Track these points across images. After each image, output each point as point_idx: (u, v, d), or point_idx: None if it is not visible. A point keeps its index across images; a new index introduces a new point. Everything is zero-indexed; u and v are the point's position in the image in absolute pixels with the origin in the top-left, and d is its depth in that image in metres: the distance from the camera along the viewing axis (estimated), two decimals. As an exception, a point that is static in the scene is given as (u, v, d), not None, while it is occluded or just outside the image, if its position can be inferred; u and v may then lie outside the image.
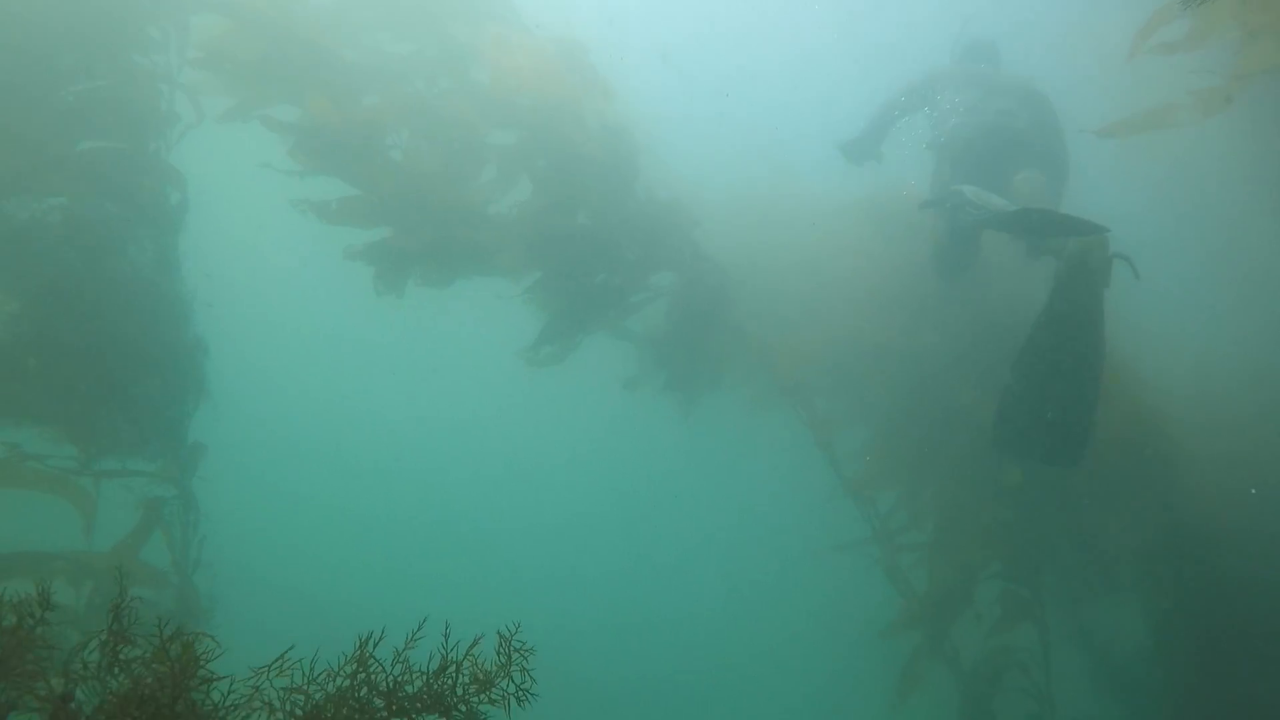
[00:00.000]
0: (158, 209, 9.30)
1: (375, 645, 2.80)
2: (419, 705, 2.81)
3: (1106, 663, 9.24)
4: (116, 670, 2.59)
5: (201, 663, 2.64)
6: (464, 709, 2.81)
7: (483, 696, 2.83)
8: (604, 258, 9.34)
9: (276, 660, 2.78)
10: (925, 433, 8.39)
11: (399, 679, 2.80)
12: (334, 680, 2.78)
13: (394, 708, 2.80)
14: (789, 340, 8.95)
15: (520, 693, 2.85)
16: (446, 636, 2.86)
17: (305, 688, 2.77)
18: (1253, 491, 8.48)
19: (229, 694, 2.64)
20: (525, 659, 2.87)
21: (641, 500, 18.78)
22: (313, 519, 17.61)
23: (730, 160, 11.13)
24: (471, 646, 2.84)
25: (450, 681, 2.83)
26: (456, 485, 19.15)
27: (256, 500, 16.41)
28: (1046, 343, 6.72)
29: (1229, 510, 8.56)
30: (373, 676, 2.78)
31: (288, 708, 2.76)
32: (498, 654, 2.84)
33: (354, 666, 2.78)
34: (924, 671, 8.59)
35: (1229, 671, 8.45)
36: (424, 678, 2.82)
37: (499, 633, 2.82)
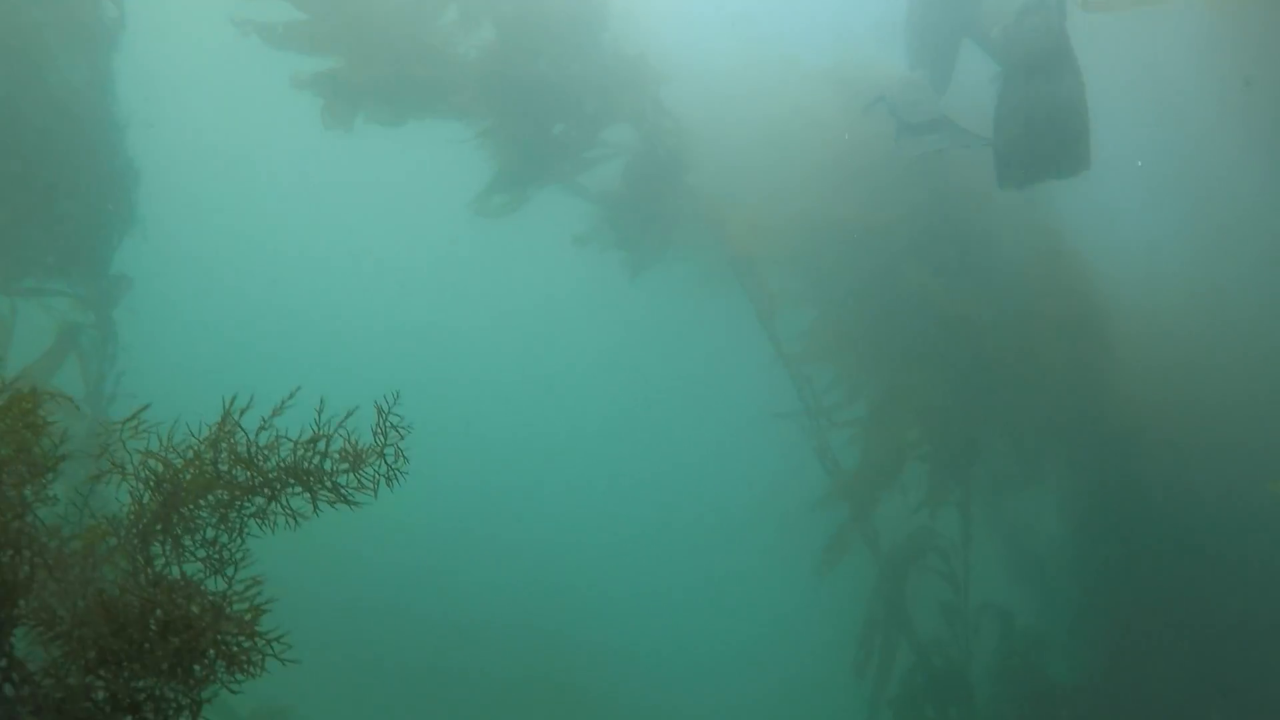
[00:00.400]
0: (92, 22, 8.78)
1: (242, 414, 2.67)
2: (283, 478, 2.70)
3: (1022, 552, 9.47)
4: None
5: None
6: (330, 484, 2.71)
7: (351, 474, 2.72)
8: (563, 108, 9.00)
9: (130, 418, 2.63)
10: (873, 312, 8.32)
11: (264, 448, 2.68)
12: (194, 448, 2.65)
13: (256, 479, 2.69)
14: (745, 210, 8.74)
15: (391, 472, 2.75)
16: (320, 411, 2.73)
17: (162, 453, 2.64)
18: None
19: (61, 443, 2.50)
20: (401, 437, 2.75)
21: (582, 361, 18.67)
22: (244, 362, 17.30)
23: (700, 24, 10.69)
24: (345, 419, 2.72)
25: (319, 455, 2.71)
26: (393, 331, 18.88)
27: (183, 338, 16.11)
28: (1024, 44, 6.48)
29: (1157, 420, 8.64)
30: (235, 445, 2.66)
31: (142, 474, 2.63)
32: (373, 433, 2.72)
33: (216, 432, 2.65)
34: (849, 545, 8.72)
35: (1137, 571, 8.69)
36: (291, 449, 2.70)
37: (376, 404, 2.69)
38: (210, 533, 2.68)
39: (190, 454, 2.61)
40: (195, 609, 2.52)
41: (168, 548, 2.63)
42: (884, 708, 9.04)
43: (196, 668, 2.49)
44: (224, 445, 2.64)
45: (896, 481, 8.48)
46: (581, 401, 19.16)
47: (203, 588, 2.59)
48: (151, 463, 2.60)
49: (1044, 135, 6.66)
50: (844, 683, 9.60)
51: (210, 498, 2.67)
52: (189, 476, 2.60)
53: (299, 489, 2.70)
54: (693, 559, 18.87)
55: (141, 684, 2.46)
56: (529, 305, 18.32)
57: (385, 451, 2.72)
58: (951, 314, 8.09)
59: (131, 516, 2.61)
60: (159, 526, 2.63)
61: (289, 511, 2.72)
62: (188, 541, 2.66)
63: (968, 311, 8.03)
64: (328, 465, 2.71)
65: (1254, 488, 8.03)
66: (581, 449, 19.37)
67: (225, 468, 2.66)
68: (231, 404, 2.63)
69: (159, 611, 2.48)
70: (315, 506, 2.71)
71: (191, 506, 2.65)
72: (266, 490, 2.67)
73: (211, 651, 2.49)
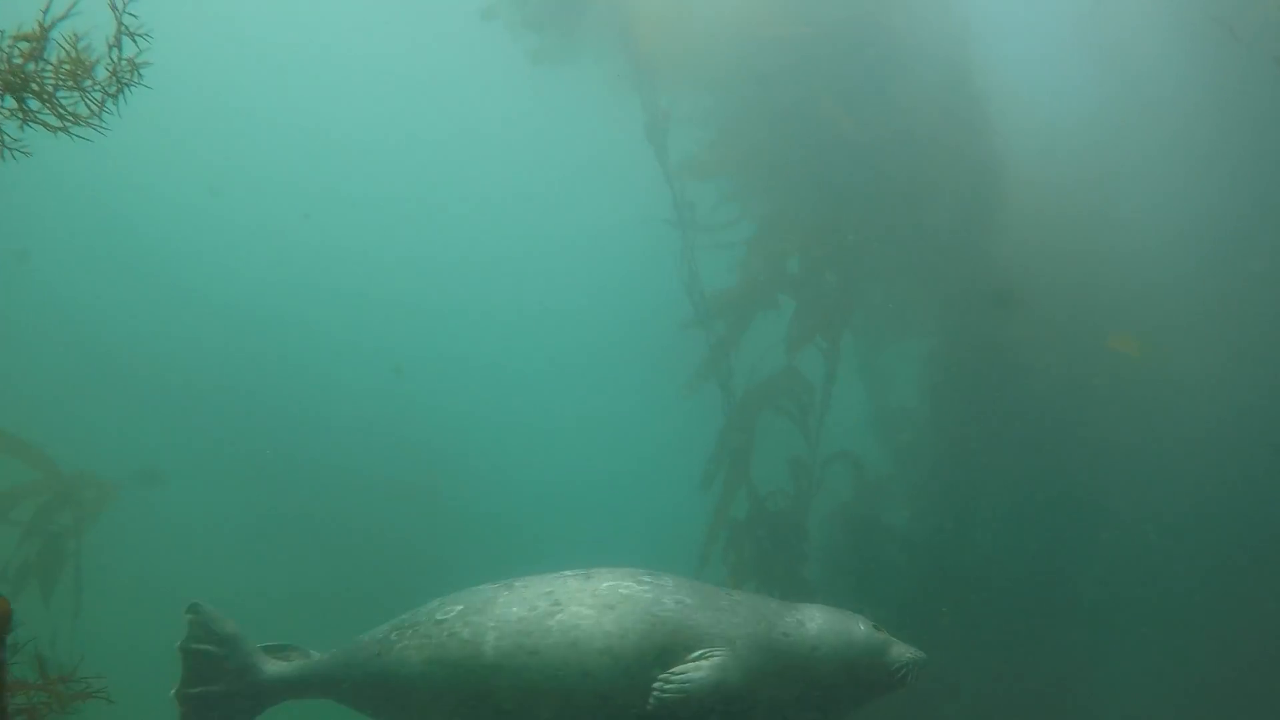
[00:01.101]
0: None
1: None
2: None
3: (883, 405, 9.58)
4: None
5: None
6: (49, 93, 2.30)
7: (73, 86, 2.32)
8: None
9: None
10: (770, 130, 7.99)
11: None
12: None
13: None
14: (657, 7, 8.19)
15: (120, 89, 2.36)
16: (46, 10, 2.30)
17: None
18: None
19: None
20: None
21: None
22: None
23: None
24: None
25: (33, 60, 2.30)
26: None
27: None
28: None
29: (1031, 287, 8.65)
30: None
31: None
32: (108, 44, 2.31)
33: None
34: (714, 372, 8.62)
35: (990, 431, 8.82)
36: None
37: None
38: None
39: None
40: None
41: None
42: (719, 544, 9.07)
43: None
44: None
45: (768, 313, 8.36)
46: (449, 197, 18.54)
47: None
48: None
49: None
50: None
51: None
52: None
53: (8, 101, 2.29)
54: (569, 390, 18.91)
55: None
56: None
57: (120, 68, 2.33)
58: (851, 140, 7.82)
59: None
60: None
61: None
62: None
63: (866, 138, 7.77)
64: (47, 73, 2.30)
65: (1114, 359, 8.18)
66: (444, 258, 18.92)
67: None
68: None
69: None
70: (24, 123, 2.30)
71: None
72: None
73: None
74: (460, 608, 3.98)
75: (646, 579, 4.00)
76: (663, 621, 3.79)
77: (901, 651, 4.16)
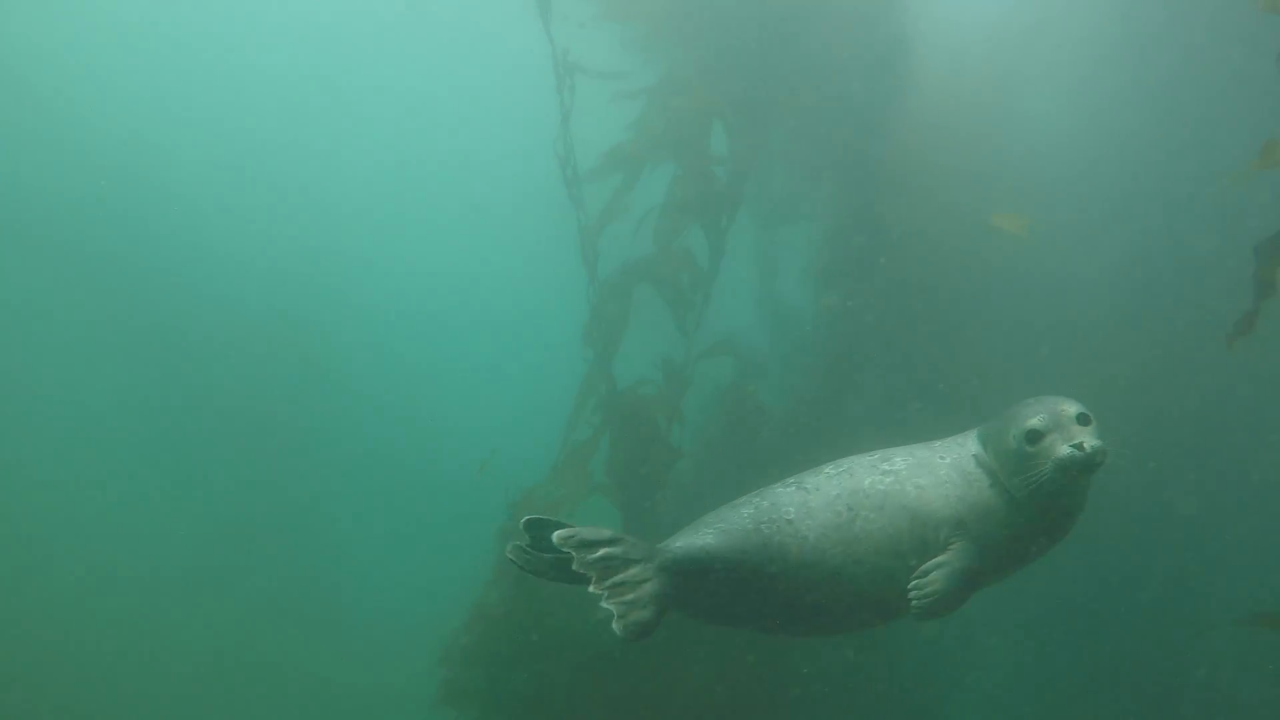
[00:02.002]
0: None
1: None
2: None
3: (771, 287, 9.29)
4: None
5: None
6: None
7: None
8: None
9: None
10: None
11: None
12: None
13: None
14: None
15: None
16: None
17: None
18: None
19: None
20: None
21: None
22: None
23: None
24: None
25: None
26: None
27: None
28: None
29: (927, 171, 8.40)
30: None
31: None
32: None
33: None
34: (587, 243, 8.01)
35: (870, 312, 8.61)
36: None
37: None
38: None
39: None
40: None
41: None
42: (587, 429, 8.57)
43: None
44: None
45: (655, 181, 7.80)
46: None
47: None
48: None
49: None
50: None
51: None
52: None
53: None
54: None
55: None
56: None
57: None
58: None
59: None
60: None
61: None
62: None
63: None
64: None
65: (1011, 247, 8.07)
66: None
67: None
68: None
69: None
70: None
71: None
72: None
73: None
74: (792, 509, 3.81)
75: (887, 466, 3.87)
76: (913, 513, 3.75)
77: (1054, 442, 3.57)
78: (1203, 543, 9.00)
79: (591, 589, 3.56)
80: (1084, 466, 3.52)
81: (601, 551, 3.63)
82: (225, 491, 17.40)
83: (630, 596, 3.59)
